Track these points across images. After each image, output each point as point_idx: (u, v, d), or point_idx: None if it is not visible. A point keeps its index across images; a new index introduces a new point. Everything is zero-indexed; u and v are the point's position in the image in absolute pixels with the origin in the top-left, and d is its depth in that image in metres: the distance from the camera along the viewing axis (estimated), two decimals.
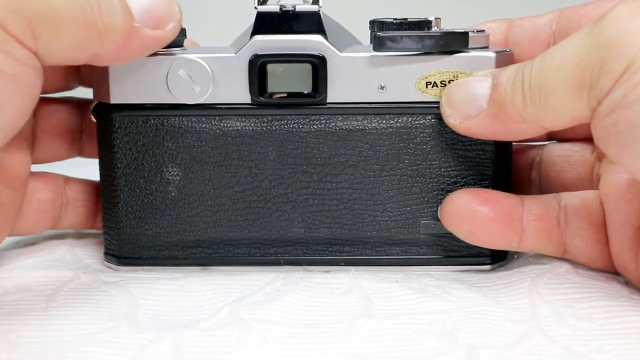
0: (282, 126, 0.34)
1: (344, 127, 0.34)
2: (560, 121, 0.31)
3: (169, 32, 0.33)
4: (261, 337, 0.30)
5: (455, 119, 0.33)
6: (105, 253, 0.36)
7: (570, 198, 0.35)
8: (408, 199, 0.35)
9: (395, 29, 0.34)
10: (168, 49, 0.33)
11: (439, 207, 0.35)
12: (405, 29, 0.34)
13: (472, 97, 0.32)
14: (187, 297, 0.33)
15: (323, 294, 0.33)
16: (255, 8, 0.33)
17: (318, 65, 0.33)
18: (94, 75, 0.35)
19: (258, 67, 0.33)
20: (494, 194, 0.35)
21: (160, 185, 0.35)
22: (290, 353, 0.29)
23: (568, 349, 0.29)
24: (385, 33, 0.33)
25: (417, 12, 0.37)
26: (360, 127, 0.34)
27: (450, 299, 0.32)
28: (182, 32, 0.33)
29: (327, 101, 0.34)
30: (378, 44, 0.33)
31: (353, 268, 0.35)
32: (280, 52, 0.33)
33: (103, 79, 0.34)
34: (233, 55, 0.33)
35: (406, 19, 0.34)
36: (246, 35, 0.34)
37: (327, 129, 0.34)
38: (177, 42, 0.33)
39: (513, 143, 0.37)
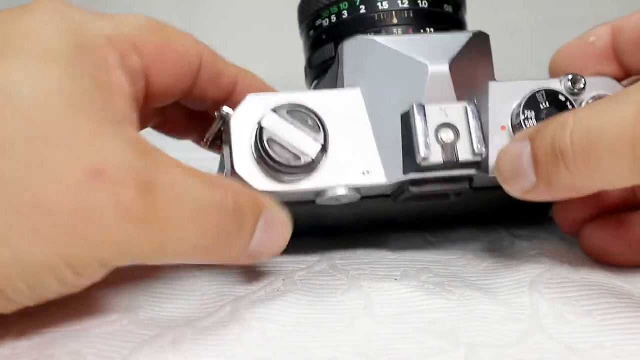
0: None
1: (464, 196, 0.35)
2: (620, 186, 0.28)
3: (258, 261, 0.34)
4: (262, 335, 0.30)
5: (515, 193, 0.30)
6: None
7: None
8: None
9: None
10: (311, 173, 0.32)
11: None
12: None
13: (520, 173, 0.30)
14: (188, 296, 0.33)
15: (323, 294, 0.33)
16: (420, 164, 0.31)
17: (464, 192, 0.34)
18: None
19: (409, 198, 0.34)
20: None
21: None
22: (291, 351, 0.29)
23: (568, 346, 0.29)
24: None
25: None
26: (481, 197, 0.35)
27: (451, 297, 0.32)
28: (323, 147, 0.32)
29: None
30: None
31: (352, 269, 0.35)
32: (434, 186, 0.33)
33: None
34: (384, 183, 0.33)
35: None
36: (392, 144, 0.33)
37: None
38: (318, 159, 0.32)
39: None
